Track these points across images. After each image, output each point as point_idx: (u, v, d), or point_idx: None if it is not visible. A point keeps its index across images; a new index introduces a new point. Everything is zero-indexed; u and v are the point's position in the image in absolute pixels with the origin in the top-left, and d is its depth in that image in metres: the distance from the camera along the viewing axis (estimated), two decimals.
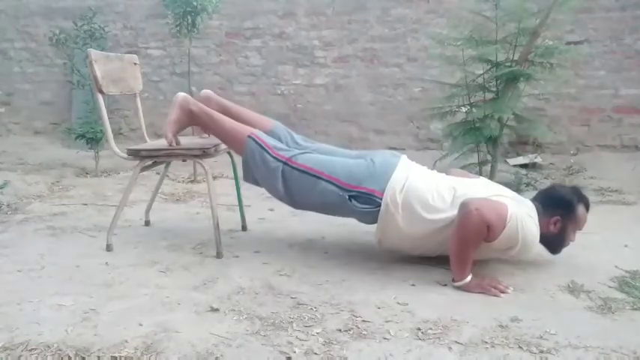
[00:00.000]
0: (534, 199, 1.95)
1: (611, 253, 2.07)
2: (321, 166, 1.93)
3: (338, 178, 1.89)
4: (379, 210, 1.85)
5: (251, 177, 2.06)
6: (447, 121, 3.29)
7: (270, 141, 2.01)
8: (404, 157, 1.99)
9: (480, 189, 1.88)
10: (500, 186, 2.00)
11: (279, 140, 2.07)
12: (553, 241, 1.90)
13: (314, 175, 1.92)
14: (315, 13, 4.64)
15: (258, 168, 1.99)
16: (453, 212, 1.77)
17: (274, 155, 1.97)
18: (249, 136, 2.01)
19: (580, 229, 1.93)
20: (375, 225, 1.92)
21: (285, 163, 1.95)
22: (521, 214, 1.74)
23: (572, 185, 2.02)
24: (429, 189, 1.85)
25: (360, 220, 1.98)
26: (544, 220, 1.85)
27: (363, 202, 1.87)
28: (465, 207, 1.70)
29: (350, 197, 1.88)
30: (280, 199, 2.03)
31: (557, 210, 1.87)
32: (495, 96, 3.10)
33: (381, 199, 1.85)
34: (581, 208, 1.89)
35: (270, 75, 4.75)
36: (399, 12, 4.50)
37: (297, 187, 1.95)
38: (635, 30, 4.09)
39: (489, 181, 2.05)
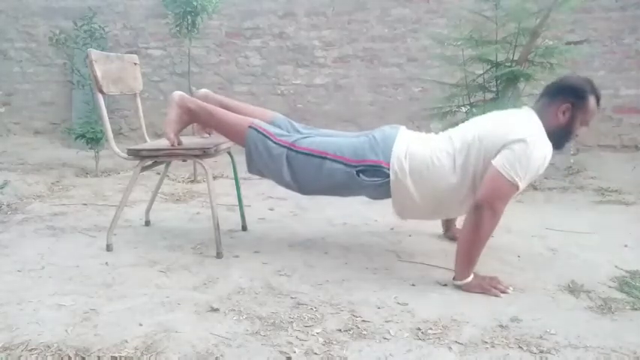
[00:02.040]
0: (543, 94, 1.89)
1: (611, 253, 2.07)
2: (325, 147, 1.92)
3: (343, 155, 1.89)
4: (389, 181, 1.85)
5: (255, 168, 2.05)
6: (447, 121, 3.29)
7: (271, 129, 2.01)
8: (402, 127, 2.00)
9: (474, 129, 1.84)
10: (493, 116, 1.94)
11: (280, 128, 2.06)
12: (559, 134, 1.81)
13: (319, 157, 1.91)
14: (315, 13, 4.64)
15: (262, 157, 1.98)
16: (458, 162, 1.78)
17: (277, 142, 1.96)
18: (250, 126, 2.00)
19: (587, 124, 1.85)
20: (390, 200, 1.91)
21: (288, 149, 1.94)
22: (524, 161, 1.66)
23: (585, 77, 1.94)
24: (430, 148, 1.85)
25: (371, 195, 1.96)
26: (553, 109, 1.80)
27: (372, 175, 1.87)
28: (478, 209, 1.68)
29: (358, 172, 1.87)
30: (287, 186, 2.02)
31: (568, 97, 1.80)
32: (495, 96, 3.10)
33: (389, 168, 1.85)
34: (592, 99, 1.81)
35: (270, 75, 4.76)
36: (399, 12, 4.50)
37: (303, 171, 1.94)
38: (635, 30, 4.10)
39: (481, 117, 1.99)
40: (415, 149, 1.86)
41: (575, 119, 1.81)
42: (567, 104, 1.80)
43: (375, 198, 1.98)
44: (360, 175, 1.87)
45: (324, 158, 1.90)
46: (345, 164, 1.88)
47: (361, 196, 1.99)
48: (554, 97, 1.82)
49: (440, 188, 1.82)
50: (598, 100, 1.83)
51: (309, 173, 1.94)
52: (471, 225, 1.71)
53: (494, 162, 1.70)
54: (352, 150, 1.89)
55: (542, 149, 1.71)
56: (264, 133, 1.98)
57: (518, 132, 1.71)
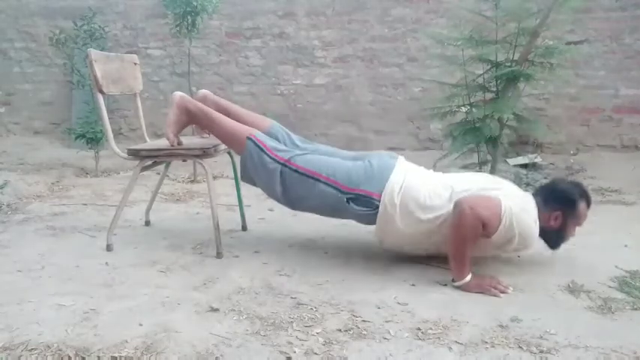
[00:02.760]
0: (536, 194, 1.94)
1: (611, 253, 2.07)
2: (320, 168, 1.93)
3: (336, 180, 1.90)
4: (377, 212, 1.86)
5: (248, 177, 2.06)
6: (447, 121, 3.28)
7: (268, 142, 2.01)
8: (401, 159, 1.99)
9: (477, 182, 1.88)
10: (499, 179, 2.00)
11: (277, 140, 2.06)
12: (553, 236, 1.89)
13: (312, 177, 1.92)
14: (315, 13, 4.64)
15: (256, 169, 1.99)
16: (449, 210, 1.77)
17: (273, 156, 1.97)
18: (249, 138, 2.00)
19: (580, 225, 1.93)
20: (375, 225, 1.92)
21: (283, 165, 1.95)
22: (516, 207, 1.74)
23: (573, 181, 2.01)
24: (426, 188, 1.85)
25: (359, 221, 1.98)
26: (545, 215, 1.84)
27: (362, 204, 1.87)
28: (458, 206, 1.71)
29: (348, 200, 1.88)
30: (277, 200, 2.03)
31: (558, 205, 1.86)
32: (495, 96, 3.10)
33: (379, 201, 1.85)
34: (582, 204, 1.88)
35: (270, 75, 4.75)
36: (399, 12, 4.50)
37: (295, 188, 1.95)
38: (635, 30, 4.09)
39: (488, 175, 2.04)
40: (411, 185, 1.86)
41: (567, 223, 1.88)
42: (558, 212, 1.86)
43: (361, 223, 2.00)
44: (350, 202, 1.89)
45: (318, 180, 1.91)
46: (337, 189, 1.89)
47: (348, 219, 2.01)
48: (546, 202, 1.88)
49: (427, 229, 1.83)
50: (588, 203, 1.91)
51: (300, 192, 1.95)
52: (453, 225, 1.73)
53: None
54: (346, 176, 1.90)
55: (533, 223, 1.78)
56: (262, 146, 1.99)
57: (521, 197, 1.82)
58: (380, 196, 1.85)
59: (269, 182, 1.98)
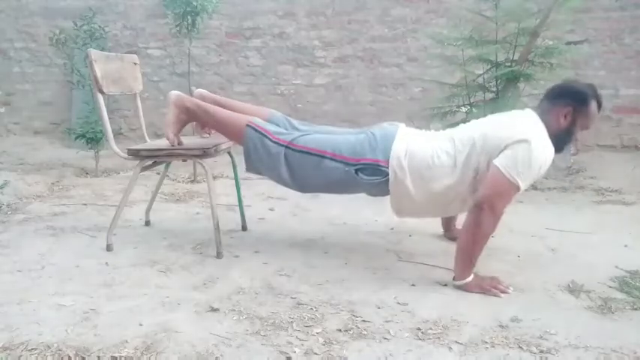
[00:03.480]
0: (544, 97, 1.90)
1: (611, 253, 2.07)
2: (323, 145, 1.91)
3: (341, 153, 1.89)
4: (388, 179, 1.85)
5: (253, 166, 2.04)
6: (447, 121, 3.29)
7: (269, 127, 2.00)
8: (402, 125, 1.99)
9: (476, 128, 1.86)
10: (496, 117, 1.96)
11: (278, 126, 2.05)
12: (559, 137, 1.82)
13: (317, 155, 1.91)
14: (315, 13, 4.64)
15: (260, 156, 1.98)
16: (459, 162, 1.78)
17: (275, 140, 1.95)
18: (248, 125, 1.99)
19: (588, 128, 1.86)
20: (389, 197, 1.91)
21: (286, 147, 1.94)
22: (526, 161, 1.67)
23: (587, 82, 1.96)
24: (430, 147, 1.85)
25: (370, 193, 1.96)
26: (555, 113, 1.81)
27: (370, 173, 1.86)
28: (477, 209, 1.69)
29: (356, 171, 1.87)
30: (286, 184, 2.01)
31: (570, 101, 1.81)
32: (495, 96, 3.10)
33: (387, 167, 1.84)
34: (593, 103, 1.82)
35: (270, 75, 4.75)
36: (399, 12, 4.50)
37: (301, 169, 1.94)
38: (635, 30, 4.09)
39: (483, 118, 2.00)
40: (415, 148, 1.86)
41: (576, 123, 1.82)
42: (569, 108, 1.81)
43: (373, 195, 1.98)
44: (359, 173, 1.87)
45: (323, 157, 1.90)
46: (344, 163, 1.88)
47: (360, 193, 1.99)
48: (556, 100, 1.83)
49: (439, 188, 1.82)
50: (599, 105, 1.84)
51: (307, 171, 1.94)
52: (470, 225, 1.71)
53: (495, 162, 1.70)
54: (351, 148, 1.89)
55: (544, 150, 1.72)
56: (262, 131, 1.98)
57: (521, 133, 1.72)
58: (387, 162, 1.84)
59: (274, 167, 1.96)
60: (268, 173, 2.03)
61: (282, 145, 1.94)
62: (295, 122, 2.12)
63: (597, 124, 4.15)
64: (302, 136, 1.97)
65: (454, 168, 1.80)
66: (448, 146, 1.84)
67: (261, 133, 1.97)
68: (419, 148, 1.86)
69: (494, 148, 1.74)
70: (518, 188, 1.69)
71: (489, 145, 1.75)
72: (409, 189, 1.84)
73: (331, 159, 1.89)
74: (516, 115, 1.91)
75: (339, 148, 1.90)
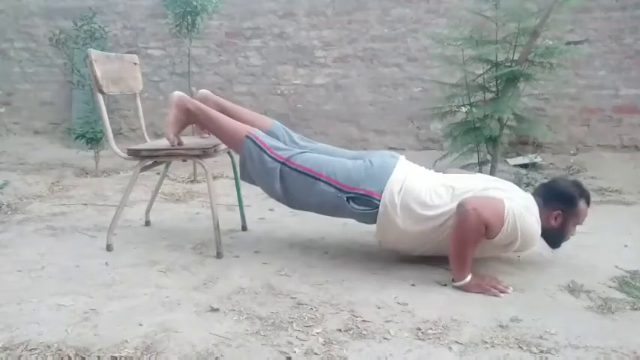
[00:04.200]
0: (535, 193, 1.94)
1: (611, 253, 2.08)
2: (320, 167, 1.92)
3: (336, 179, 1.89)
4: (377, 211, 1.85)
5: (247, 176, 2.06)
6: (447, 121, 3.29)
7: (268, 141, 2.01)
8: (402, 158, 1.99)
9: (478, 182, 1.88)
10: (500, 180, 2.01)
11: (277, 139, 2.06)
12: (553, 235, 1.89)
13: (312, 176, 1.91)
14: (315, 13, 4.64)
15: (256, 168, 1.99)
16: (451, 209, 1.77)
17: (272, 155, 1.96)
18: (247, 136, 2.00)
19: (580, 224, 1.93)
20: (375, 225, 1.92)
21: (283, 164, 1.95)
22: (519, 208, 1.73)
23: (573, 179, 2.01)
24: (426, 188, 1.85)
25: (359, 220, 1.98)
26: (545, 214, 1.84)
27: (362, 203, 1.87)
28: (462, 207, 1.70)
29: (348, 199, 1.88)
30: (277, 198, 2.03)
31: (558, 204, 1.86)
32: (495, 96, 3.10)
33: (380, 200, 1.85)
34: (582, 203, 1.89)
35: (270, 75, 4.75)
36: (399, 12, 4.50)
37: (295, 187, 1.95)
38: (635, 30, 4.09)
39: (488, 175, 2.05)
40: (411, 185, 1.86)
41: (567, 222, 1.89)
42: (558, 211, 1.86)
43: (360, 222, 1.99)
44: (350, 202, 1.88)
45: (318, 179, 1.91)
46: (337, 188, 1.89)
47: (347, 218, 2.00)
48: (546, 202, 1.88)
49: (427, 229, 1.83)
50: (588, 201, 1.91)
51: (300, 190, 1.95)
52: (455, 225, 1.73)
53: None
54: (347, 175, 1.89)
55: (536, 224, 1.77)
56: (261, 145, 1.98)
57: (519, 196, 1.81)
58: (380, 195, 1.85)
59: (269, 181, 1.98)
60: (261, 185, 2.04)
61: (279, 162, 1.95)
62: (295, 136, 2.12)
63: (597, 124, 4.16)
64: (300, 154, 1.98)
65: (443, 211, 1.80)
66: (445, 193, 1.84)
67: (260, 147, 1.98)
68: (415, 186, 1.86)
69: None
70: (503, 208, 1.69)
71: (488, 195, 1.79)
72: (397, 224, 1.84)
73: (325, 182, 1.90)
74: (519, 190, 1.94)
75: (335, 172, 1.90)
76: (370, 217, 1.89)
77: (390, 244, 1.97)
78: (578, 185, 1.93)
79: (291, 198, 1.99)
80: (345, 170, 1.91)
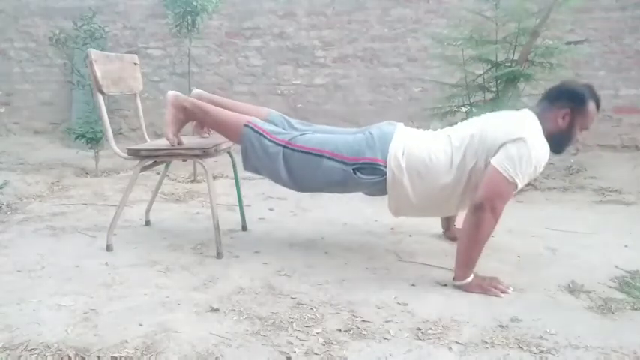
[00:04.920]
0: (542, 98, 1.90)
1: (611, 253, 2.07)
2: (321, 145, 1.91)
3: (340, 153, 1.89)
4: (386, 179, 1.85)
5: (251, 166, 2.04)
6: (447, 121, 3.28)
7: (267, 126, 2.00)
8: (400, 125, 1.99)
9: (472, 127, 1.86)
10: (491, 115, 1.96)
11: (276, 126, 2.06)
12: (559, 138, 1.82)
13: (315, 155, 1.91)
14: (315, 13, 4.64)
15: (258, 156, 1.98)
16: (455, 161, 1.78)
17: (273, 140, 1.95)
18: (246, 125, 1.99)
19: (587, 128, 1.86)
20: (387, 197, 1.91)
21: (284, 147, 1.94)
22: (524, 159, 1.67)
23: (584, 82, 1.96)
24: (427, 146, 1.85)
25: (369, 192, 1.97)
26: (552, 114, 1.81)
27: (369, 173, 1.86)
28: (479, 209, 1.68)
29: (354, 170, 1.87)
30: (284, 184, 2.01)
31: (567, 102, 1.81)
32: (495, 96, 3.10)
33: (385, 166, 1.84)
34: (591, 103, 1.82)
35: (270, 75, 4.75)
36: (399, 12, 4.50)
37: (299, 169, 1.94)
38: (635, 30, 4.09)
39: (480, 117, 2.00)
40: (412, 147, 1.86)
41: (575, 124, 1.82)
42: (566, 109, 1.81)
43: (372, 195, 1.99)
44: (357, 173, 1.87)
45: (321, 156, 1.90)
46: (342, 162, 1.88)
47: (358, 192, 2.00)
48: (554, 101, 1.84)
49: (437, 186, 1.82)
50: (598, 104, 1.84)
51: (305, 171, 1.94)
52: (470, 225, 1.71)
53: (493, 161, 1.71)
54: (349, 148, 1.89)
55: (540, 149, 1.72)
56: (260, 131, 1.98)
57: (517, 132, 1.72)
58: (385, 162, 1.85)
59: (273, 167, 1.96)
60: (266, 173, 2.03)
61: (280, 145, 1.94)
62: (293, 121, 2.12)
63: (597, 124, 4.16)
64: (300, 135, 1.97)
65: (451, 167, 1.80)
66: (445, 145, 1.84)
67: (259, 133, 1.97)
68: (416, 147, 1.86)
69: (490, 147, 1.74)
70: (515, 186, 1.69)
71: (486, 144, 1.76)
72: (407, 188, 1.84)
73: (329, 158, 1.89)
74: (513, 114, 1.92)
75: (338, 147, 1.90)
76: (380, 186, 1.88)
77: (404, 210, 1.96)
78: (588, 87, 1.86)
79: (297, 181, 1.97)
80: (347, 144, 1.90)
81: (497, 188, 1.70)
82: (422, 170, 1.82)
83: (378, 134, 1.92)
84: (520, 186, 1.70)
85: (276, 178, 2.01)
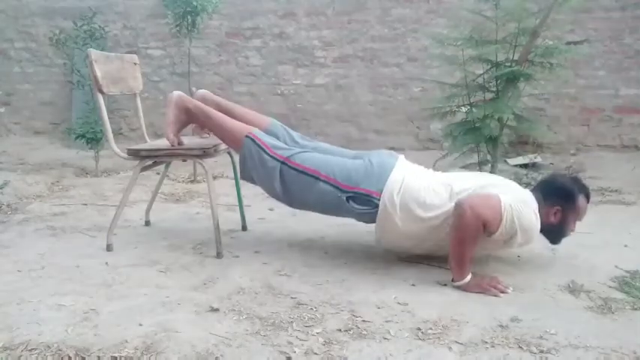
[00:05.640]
0: (535, 189, 1.93)
1: (611, 253, 2.07)
2: (319, 166, 1.92)
3: (336, 178, 1.89)
4: (377, 211, 1.85)
5: (247, 175, 2.06)
6: (447, 121, 3.28)
7: (268, 140, 2.01)
8: (401, 158, 1.99)
9: (476, 180, 1.88)
10: (498, 177, 2.00)
11: (277, 138, 2.06)
12: (553, 231, 1.88)
13: (312, 176, 1.91)
14: (315, 13, 4.64)
15: (256, 167, 1.99)
16: (450, 208, 1.77)
17: (272, 155, 1.96)
18: (247, 136, 2.00)
19: (580, 220, 1.92)
20: (374, 224, 1.92)
21: (283, 163, 1.95)
22: (516, 202, 1.72)
23: (572, 175, 2.01)
24: (425, 188, 1.85)
25: (359, 220, 1.98)
26: (544, 210, 1.83)
27: (361, 203, 1.87)
28: (459, 207, 1.70)
29: (348, 198, 1.88)
30: (277, 198, 2.03)
31: (557, 200, 1.85)
32: (495, 96, 3.10)
33: (379, 199, 1.85)
34: (581, 199, 1.87)
35: (270, 75, 4.75)
36: (399, 12, 4.50)
37: (294, 186, 1.95)
38: (635, 30, 4.09)
39: (487, 173, 2.04)
40: (410, 185, 1.85)
41: (567, 218, 1.87)
42: (557, 207, 1.85)
43: (362, 222, 2.00)
44: (350, 201, 1.88)
45: (317, 178, 1.91)
46: (337, 188, 1.89)
47: (348, 218, 2.00)
48: (545, 197, 1.87)
49: (426, 227, 1.83)
50: (588, 197, 1.90)
51: (300, 190, 1.95)
52: (452, 225, 1.73)
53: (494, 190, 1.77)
54: (346, 174, 1.90)
55: (534, 217, 1.75)
56: (260, 144, 1.98)
57: (518, 191, 1.81)
58: (379, 194, 1.85)
59: (268, 180, 1.98)
60: (261, 184, 2.04)
61: (279, 161, 1.95)
62: (295, 135, 2.12)
63: (597, 124, 4.16)
64: (299, 153, 1.98)
65: (442, 211, 1.80)
66: (444, 191, 1.84)
67: (259, 146, 1.98)
68: (414, 186, 1.85)
69: None
70: (500, 204, 1.69)
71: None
72: (396, 223, 1.84)
73: (325, 182, 1.90)
74: (517, 186, 1.94)
75: (334, 171, 1.91)
76: (370, 217, 1.89)
77: (389, 243, 1.97)
78: (577, 181, 1.92)
79: (290, 197, 1.99)
80: (345, 170, 1.91)
81: (479, 196, 1.74)
82: (415, 209, 1.82)
83: (377, 163, 1.92)
84: (502, 224, 1.69)
85: (269, 191, 2.03)
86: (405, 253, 2.01)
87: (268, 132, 2.07)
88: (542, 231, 1.82)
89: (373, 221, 1.90)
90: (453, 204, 1.76)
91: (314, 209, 2.03)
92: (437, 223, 1.81)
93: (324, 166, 1.92)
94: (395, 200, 1.83)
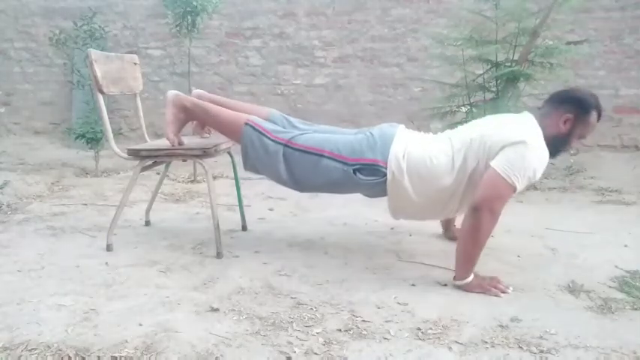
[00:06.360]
0: (547, 101, 1.89)
1: (611, 253, 2.07)
2: (322, 144, 1.91)
3: (340, 153, 1.88)
4: (385, 180, 1.85)
5: (251, 164, 2.04)
6: (447, 121, 3.29)
7: (267, 125, 2.00)
8: (401, 126, 1.99)
9: (472, 130, 1.86)
10: (490, 120, 1.95)
11: (276, 125, 2.05)
12: (557, 142, 1.82)
13: (316, 154, 1.90)
14: (315, 13, 4.64)
15: (258, 154, 1.97)
16: (456, 163, 1.78)
17: (273, 139, 1.95)
18: (246, 123, 1.99)
19: (584, 137, 1.88)
20: (386, 198, 1.91)
21: (285, 146, 1.93)
22: (519, 165, 1.67)
23: (591, 92, 1.95)
24: (428, 148, 1.85)
25: (368, 193, 1.97)
26: (554, 118, 1.81)
27: (368, 173, 1.86)
28: (477, 212, 1.68)
29: (354, 171, 1.86)
30: (284, 183, 2.01)
31: (572, 108, 1.81)
32: (495, 96, 3.10)
33: (386, 167, 1.84)
34: (594, 114, 1.83)
35: (270, 75, 4.75)
36: (399, 12, 4.50)
37: (299, 168, 1.93)
38: (635, 30, 4.09)
39: (479, 120, 2.00)
40: (413, 149, 1.86)
41: (575, 131, 1.83)
42: (570, 114, 1.81)
43: (371, 196, 1.99)
44: (357, 173, 1.87)
45: (321, 156, 1.89)
46: (343, 162, 1.87)
47: (357, 193, 1.99)
48: (559, 105, 1.83)
49: (437, 188, 1.82)
50: (599, 116, 1.86)
51: (305, 170, 1.93)
52: (469, 226, 1.71)
53: (492, 163, 1.71)
54: (350, 148, 1.89)
55: (540, 153, 1.72)
56: (260, 129, 1.97)
57: (518, 135, 1.72)
58: (385, 163, 1.84)
59: (273, 166, 1.96)
60: (266, 172, 2.02)
61: (281, 144, 1.94)
62: (294, 120, 2.11)
63: (597, 124, 4.15)
64: (301, 134, 1.96)
65: (452, 169, 1.80)
66: (446, 147, 1.84)
67: (260, 132, 1.97)
68: (417, 149, 1.86)
69: (491, 150, 1.74)
70: (514, 189, 1.69)
71: (486, 146, 1.76)
72: (407, 190, 1.84)
73: (330, 158, 1.89)
74: (514, 117, 1.91)
75: (338, 147, 1.90)
76: (380, 187, 1.88)
77: (403, 212, 1.97)
78: (595, 97, 1.86)
79: (298, 180, 1.97)
80: (348, 144, 1.90)
81: (495, 190, 1.70)
82: (423, 172, 1.82)
83: (378, 135, 1.92)
84: (519, 189, 1.70)
85: (275, 177, 2.01)
86: (421, 219, 2.02)
87: (267, 120, 2.06)
88: (545, 140, 1.76)
89: (382, 193, 1.89)
90: (458, 159, 1.77)
91: (322, 189, 2.02)
92: (447, 182, 1.81)
93: (327, 144, 1.91)
94: (402, 165, 1.83)
